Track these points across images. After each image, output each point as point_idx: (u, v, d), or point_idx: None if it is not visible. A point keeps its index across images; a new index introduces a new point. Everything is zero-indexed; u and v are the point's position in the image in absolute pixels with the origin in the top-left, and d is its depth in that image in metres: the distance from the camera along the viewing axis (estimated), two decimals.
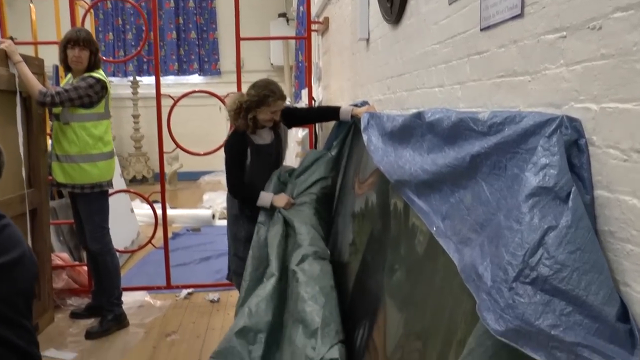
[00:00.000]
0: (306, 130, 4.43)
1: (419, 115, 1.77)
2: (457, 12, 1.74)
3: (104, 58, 3.89)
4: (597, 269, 0.97)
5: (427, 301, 1.61)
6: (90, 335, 3.27)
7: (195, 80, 9.74)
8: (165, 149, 3.94)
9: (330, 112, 3.29)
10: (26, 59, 3.16)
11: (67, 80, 3.37)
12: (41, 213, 3.44)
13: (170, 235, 5.59)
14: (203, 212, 6.39)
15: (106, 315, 3.37)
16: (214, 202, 6.86)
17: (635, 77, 0.95)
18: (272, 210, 2.98)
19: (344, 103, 3.59)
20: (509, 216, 1.10)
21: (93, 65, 3.22)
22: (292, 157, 4.76)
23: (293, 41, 7.91)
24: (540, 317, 0.97)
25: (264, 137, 3.08)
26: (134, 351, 3.11)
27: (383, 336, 1.95)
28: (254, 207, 3.10)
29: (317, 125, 4.60)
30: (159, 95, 3.82)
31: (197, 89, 4.31)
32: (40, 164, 3.42)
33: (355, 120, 3.01)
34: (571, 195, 1.02)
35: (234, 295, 3.65)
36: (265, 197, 2.97)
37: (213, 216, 6.29)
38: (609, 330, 0.93)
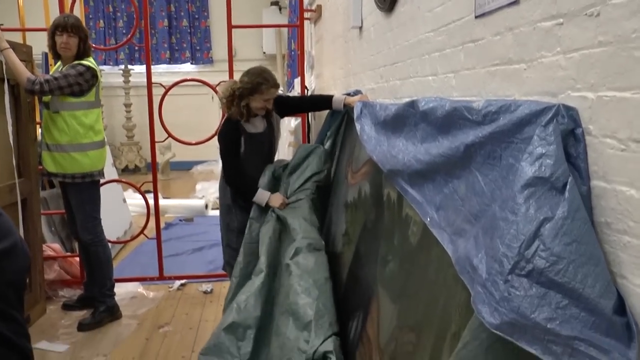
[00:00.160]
0: (299, 120, 4.39)
1: (412, 104, 1.74)
2: None
3: (94, 46, 3.82)
4: (594, 261, 0.95)
5: (421, 293, 1.60)
6: (82, 327, 3.25)
7: (187, 68, 9.66)
8: (157, 139, 3.90)
9: (322, 101, 3.26)
10: (14, 45, 3.11)
11: (56, 68, 3.32)
12: (31, 203, 3.40)
13: (163, 225, 5.57)
14: (196, 202, 6.36)
15: (98, 306, 3.34)
16: (207, 191, 6.83)
17: (633, 65, 0.93)
18: (265, 207, 2.96)
19: (337, 92, 3.56)
20: (504, 207, 1.08)
21: (82, 53, 3.16)
22: (284, 147, 4.73)
23: (286, 30, 7.84)
24: (536, 310, 0.95)
25: (257, 126, 3.05)
26: (127, 343, 3.09)
27: (377, 328, 1.94)
28: (246, 198, 3.08)
29: (310, 114, 4.57)
30: (149, 84, 3.78)
31: (188, 78, 4.25)
32: (30, 153, 3.37)
33: (348, 109, 2.99)
34: (567, 186, 1.00)
35: (227, 286, 3.61)
36: (262, 195, 2.95)
37: (206, 206, 6.26)
38: (605, 323, 0.92)
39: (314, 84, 5.06)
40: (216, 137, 3.20)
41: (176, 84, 3.92)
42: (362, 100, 2.67)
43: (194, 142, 4.07)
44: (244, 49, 9.24)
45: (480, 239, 1.17)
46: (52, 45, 3.13)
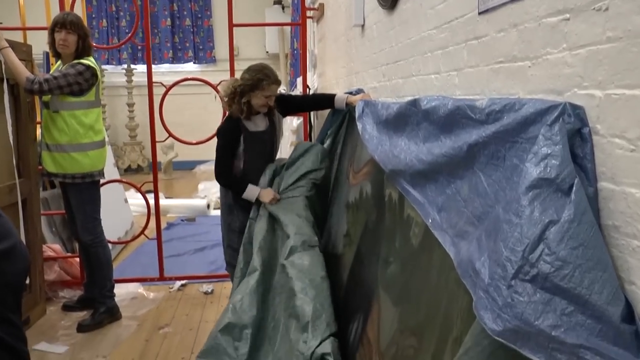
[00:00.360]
0: (301, 119, 4.36)
1: (414, 103, 1.71)
2: None
3: (95, 44, 3.80)
4: (601, 266, 0.91)
5: (422, 296, 1.56)
6: (82, 328, 3.22)
7: (190, 68, 9.64)
8: (159, 138, 3.88)
9: (325, 100, 3.23)
10: (13, 44, 3.08)
11: (56, 67, 3.29)
12: (32, 203, 3.38)
13: (164, 225, 5.55)
14: (198, 202, 6.34)
15: (98, 307, 3.31)
16: (209, 191, 6.80)
17: None
18: (256, 203, 2.93)
19: (339, 91, 3.52)
20: (508, 209, 1.04)
21: (82, 52, 3.13)
22: (287, 146, 4.70)
23: (289, 29, 7.81)
24: (540, 316, 0.91)
25: (258, 124, 3.02)
26: (126, 344, 3.06)
27: (377, 330, 1.90)
28: (237, 194, 3.05)
29: (312, 114, 4.54)
30: (150, 83, 3.75)
31: (189, 77, 4.22)
32: (30, 153, 3.35)
33: (350, 108, 2.95)
34: (574, 188, 0.96)
35: (227, 286, 3.60)
36: (252, 191, 2.92)
37: (208, 206, 6.24)
38: (613, 331, 0.88)
39: (316, 83, 5.03)
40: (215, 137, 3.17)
41: (176, 83, 3.89)
42: (364, 99, 2.64)
43: (194, 141, 4.05)
44: (247, 48, 9.22)
45: (483, 241, 1.14)
46: (52, 42, 3.11)
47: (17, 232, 2.03)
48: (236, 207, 3.10)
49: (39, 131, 3.38)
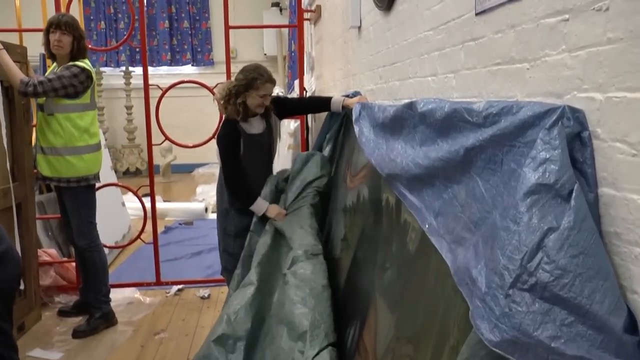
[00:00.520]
0: (298, 122, 4.33)
1: (410, 106, 1.68)
2: None
3: (91, 47, 3.77)
4: (602, 274, 0.88)
5: (419, 302, 1.53)
6: (77, 334, 3.18)
7: (188, 70, 9.62)
8: (157, 141, 3.85)
9: (321, 103, 3.20)
10: (7, 46, 3.05)
11: (51, 69, 3.27)
12: (27, 207, 3.34)
13: (162, 229, 5.52)
14: (196, 206, 6.31)
15: (94, 313, 3.28)
16: (207, 194, 6.77)
17: None
18: (263, 219, 2.90)
19: (336, 93, 3.49)
20: (505, 215, 1.01)
21: (77, 53, 3.10)
22: (284, 149, 4.67)
23: (287, 31, 7.79)
24: (539, 327, 0.88)
25: (256, 127, 2.99)
26: (122, 350, 3.02)
27: (374, 337, 1.87)
28: (244, 204, 3.01)
29: (309, 116, 4.51)
30: (146, 85, 3.72)
31: (185, 80, 4.19)
32: (25, 157, 3.31)
33: (347, 111, 2.92)
34: (573, 194, 0.93)
35: (224, 291, 3.56)
36: (261, 205, 2.88)
37: (206, 209, 6.21)
38: (615, 342, 0.85)
39: (314, 86, 5.00)
40: (214, 140, 3.13)
41: (172, 86, 3.86)
42: (360, 102, 2.61)
43: (191, 144, 4.02)
44: (245, 50, 9.21)
45: (480, 248, 1.10)
46: (47, 43, 3.08)
47: (9, 238, 1.99)
48: (232, 211, 3.06)
49: (34, 134, 3.36)
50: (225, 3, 3.62)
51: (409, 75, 2.09)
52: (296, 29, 4.05)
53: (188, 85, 4.21)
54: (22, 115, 3.31)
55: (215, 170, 8.89)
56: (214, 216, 5.95)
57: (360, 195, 2.49)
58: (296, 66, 5.05)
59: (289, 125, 4.60)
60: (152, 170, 3.86)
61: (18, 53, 3.24)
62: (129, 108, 9.25)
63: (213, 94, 3.47)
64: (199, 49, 9.67)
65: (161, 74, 9.19)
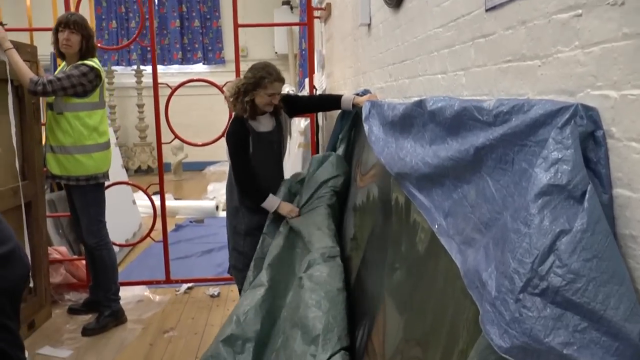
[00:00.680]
0: (308, 120, 4.31)
1: (420, 104, 1.65)
2: None
3: (103, 46, 3.78)
4: (617, 279, 0.85)
5: (428, 304, 1.50)
6: (86, 331, 3.19)
7: (199, 69, 9.63)
8: (167, 139, 3.85)
9: (331, 101, 3.18)
10: (17, 45, 3.06)
11: (61, 68, 3.27)
12: (37, 206, 3.35)
13: (173, 227, 5.53)
14: (206, 204, 6.31)
15: (103, 311, 3.28)
16: (218, 192, 6.77)
17: None
18: (277, 220, 2.88)
19: (347, 91, 3.47)
20: (516, 217, 0.98)
21: (86, 52, 3.11)
22: (294, 148, 4.65)
23: (297, 29, 7.77)
24: (550, 333, 0.85)
25: (265, 125, 2.97)
26: (131, 348, 3.02)
27: (382, 339, 1.84)
28: (255, 202, 3.00)
29: (320, 115, 4.48)
30: (156, 84, 3.72)
31: (195, 78, 4.19)
32: (35, 155, 3.33)
33: (357, 109, 2.90)
34: (587, 195, 0.90)
35: (234, 289, 3.55)
36: (272, 201, 2.87)
37: (217, 207, 6.20)
38: (630, 350, 0.81)
39: (324, 84, 4.97)
40: (224, 138, 3.12)
41: (181, 84, 3.86)
42: (370, 100, 2.58)
43: (200, 143, 4.01)
44: (255, 48, 9.20)
45: (490, 251, 1.07)
46: (56, 42, 3.09)
47: (17, 237, 1.99)
48: (242, 209, 3.05)
49: (44, 133, 3.36)
50: (234, 2, 3.61)
51: (418, 73, 2.06)
52: (306, 27, 4.03)
53: (198, 83, 4.21)
54: (32, 114, 3.32)
55: (226, 168, 8.91)
56: (224, 214, 5.93)
57: (370, 195, 2.47)
58: (307, 64, 5.03)
59: (299, 124, 4.58)
60: (161, 168, 3.86)
61: (28, 52, 3.24)
62: (140, 106, 9.29)
63: (222, 92, 3.46)
64: (209, 48, 9.68)
65: (172, 73, 9.21)
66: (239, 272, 3.06)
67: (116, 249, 3.79)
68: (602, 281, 0.84)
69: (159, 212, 3.89)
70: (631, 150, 0.90)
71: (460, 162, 1.33)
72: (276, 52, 9.01)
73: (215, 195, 6.75)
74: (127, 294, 3.60)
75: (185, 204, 6.38)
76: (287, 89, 5.38)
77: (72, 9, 3.54)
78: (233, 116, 2.99)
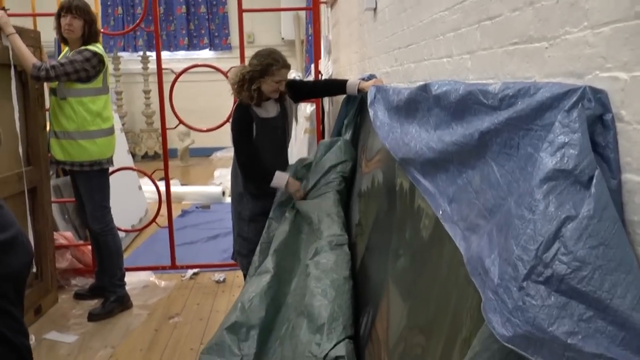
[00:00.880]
0: (314, 106, 4.27)
1: (424, 88, 1.62)
2: None
3: (107, 32, 3.75)
4: (625, 267, 0.82)
5: (432, 292, 1.48)
6: (92, 317, 3.20)
7: (205, 55, 9.58)
8: (172, 125, 3.83)
9: (336, 86, 3.15)
10: (20, 31, 3.04)
11: (64, 53, 3.26)
12: (42, 191, 3.36)
13: (179, 212, 5.53)
14: (213, 189, 6.31)
15: (109, 296, 3.29)
16: (225, 178, 6.76)
17: None
18: (283, 205, 2.86)
19: (353, 77, 3.43)
20: (521, 203, 0.95)
21: (89, 37, 3.09)
22: (300, 134, 4.63)
23: (304, 15, 7.70)
24: (554, 322, 0.83)
25: (269, 110, 2.95)
26: (136, 334, 3.03)
27: (386, 326, 1.83)
28: (258, 185, 2.98)
29: (326, 100, 4.45)
30: (160, 70, 3.71)
31: (199, 64, 4.16)
32: (40, 141, 3.32)
33: (363, 94, 2.86)
34: (594, 180, 0.86)
35: (240, 275, 3.55)
36: (281, 178, 2.84)
37: (223, 193, 6.20)
38: (637, 340, 0.79)
39: (331, 69, 4.93)
40: (229, 124, 3.10)
41: (185, 70, 3.84)
42: (376, 85, 2.55)
43: (204, 129, 3.99)
44: (262, 34, 9.14)
45: (494, 237, 1.05)
46: (58, 27, 3.07)
47: (21, 223, 1.98)
48: (246, 196, 3.04)
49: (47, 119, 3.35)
50: None
51: (424, 57, 2.02)
52: (312, 12, 3.98)
53: (204, 69, 4.19)
54: (36, 99, 3.31)
55: (233, 154, 8.90)
56: (230, 200, 5.96)
57: (375, 180, 2.44)
58: (312, 50, 4.99)
59: (305, 109, 4.55)
60: (166, 153, 3.85)
61: (31, 37, 3.22)
62: (146, 92, 9.27)
63: (226, 77, 3.43)
64: (216, 34, 9.62)
65: (179, 59, 9.17)
66: (243, 257, 3.06)
67: (122, 234, 3.80)
68: (609, 269, 0.82)
69: (164, 197, 3.88)
70: None
71: (464, 147, 1.30)
72: (283, 38, 8.95)
73: (221, 181, 6.75)
74: (132, 280, 3.61)
75: (191, 189, 6.38)
76: (294, 74, 5.34)
77: None
78: (237, 102, 2.96)
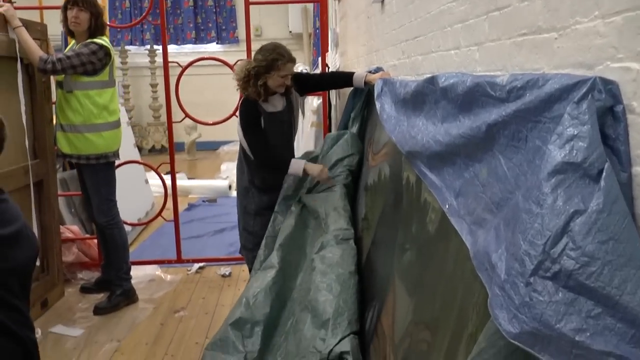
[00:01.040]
0: (321, 99, 4.25)
1: (431, 81, 1.59)
2: None
3: (113, 25, 3.74)
4: (635, 262, 0.80)
5: (438, 286, 1.46)
6: (98, 310, 3.21)
7: (213, 48, 9.57)
8: (179, 118, 3.82)
9: (343, 78, 3.12)
10: (27, 24, 3.04)
11: (70, 46, 3.25)
12: (48, 185, 3.36)
13: (185, 206, 5.54)
14: (219, 183, 6.31)
15: (115, 290, 3.30)
16: (231, 172, 6.75)
17: None
18: (289, 198, 2.84)
19: (360, 70, 3.40)
20: (528, 196, 0.93)
21: (95, 30, 3.08)
22: (307, 127, 4.61)
23: (312, 8, 7.66)
24: (562, 319, 0.81)
25: (275, 104, 2.93)
26: (141, 328, 3.04)
27: (392, 321, 1.81)
28: (264, 179, 2.97)
29: (333, 93, 4.42)
30: (166, 63, 3.71)
31: (205, 57, 4.14)
32: (46, 134, 3.32)
33: (370, 87, 2.84)
34: (603, 173, 0.84)
35: (245, 269, 3.55)
36: (297, 164, 2.82)
37: (229, 187, 6.20)
38: None
39: (338, 62, 4.90)
40: (235, 117, 3.09)
41: (191, 63, 3.84)
42: (383, 78, 2.52)
43: (210, 122, 3.98)
44: (269, 27, 9.11)
45: (501, 231, 1.03)
46: (65, 20, 3.07)
47: (25, 216, 1.97)
48: (252, 190, 3.03)
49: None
50: None
51: (431, 49, 1.99)
52: (320, 5, 3.95)
53: (210, 63, 4.17)
54: (43, 92, 3.31)
55: None
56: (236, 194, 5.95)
57: (382, 174, 2.42)
58: (320, 43, 4.96)
59: (312, 103, 4.52)
60: (172, 147, 3.84)
61: (38, 30, 3.22)
62: (154, 86, 9.27)
63: (233, 70, 3.41)
64: (223, 27, 9.60)
65: (186, 52, 9.16)
66: (249, 251, 3.05)
67: (128, 228, 3.81)
68: (619, 265, 0.80)
69: (170, 191, 3.88)
70: None
71: (472, 139, 1.28)
72: (290, 31, 8.91)
73: (228, 174, 6.75)
74: (138, 273, 3.61)
75: (198, 183, 6.38)
76: (301, 67, 5.31)
77: None
78: (243, 97, 2.95)
